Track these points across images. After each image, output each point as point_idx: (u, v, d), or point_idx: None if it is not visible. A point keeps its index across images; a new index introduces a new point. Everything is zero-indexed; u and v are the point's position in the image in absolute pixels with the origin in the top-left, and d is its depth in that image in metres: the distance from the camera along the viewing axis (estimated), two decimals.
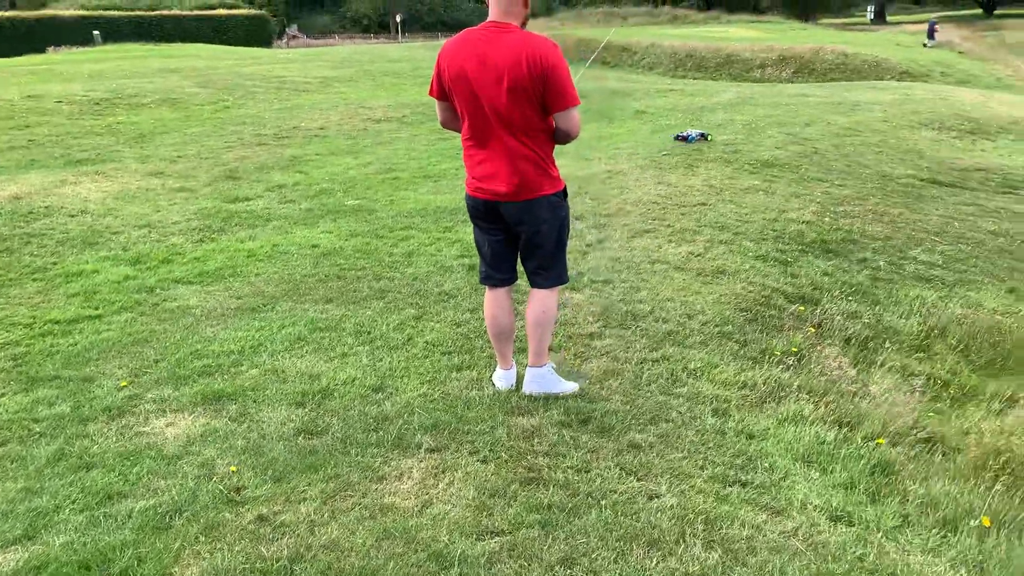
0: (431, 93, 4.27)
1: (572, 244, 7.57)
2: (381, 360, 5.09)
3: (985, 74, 27.38)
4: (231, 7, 57.22)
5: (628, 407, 4.46)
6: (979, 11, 70.76)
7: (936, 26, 33.54)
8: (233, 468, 3.83)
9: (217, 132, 14.82)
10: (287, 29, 69.93)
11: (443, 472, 3.77)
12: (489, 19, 4.08)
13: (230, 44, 42.80)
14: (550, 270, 4.42)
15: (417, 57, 28.04)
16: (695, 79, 26.13)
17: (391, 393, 4.64)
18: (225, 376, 4.93)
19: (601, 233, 8.03)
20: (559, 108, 4.03)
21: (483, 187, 4.24)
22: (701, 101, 16.91)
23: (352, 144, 13.97)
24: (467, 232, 7.92)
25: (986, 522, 3.49)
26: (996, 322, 7.07)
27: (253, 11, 59.08)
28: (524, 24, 4.15)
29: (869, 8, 65.17)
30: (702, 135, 12.86)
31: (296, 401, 4.55)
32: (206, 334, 5.67)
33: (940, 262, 8.43)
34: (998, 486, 3.93)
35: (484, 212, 4.34)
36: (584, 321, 5.76)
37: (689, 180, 10.43)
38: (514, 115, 4.03)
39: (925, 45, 32.02)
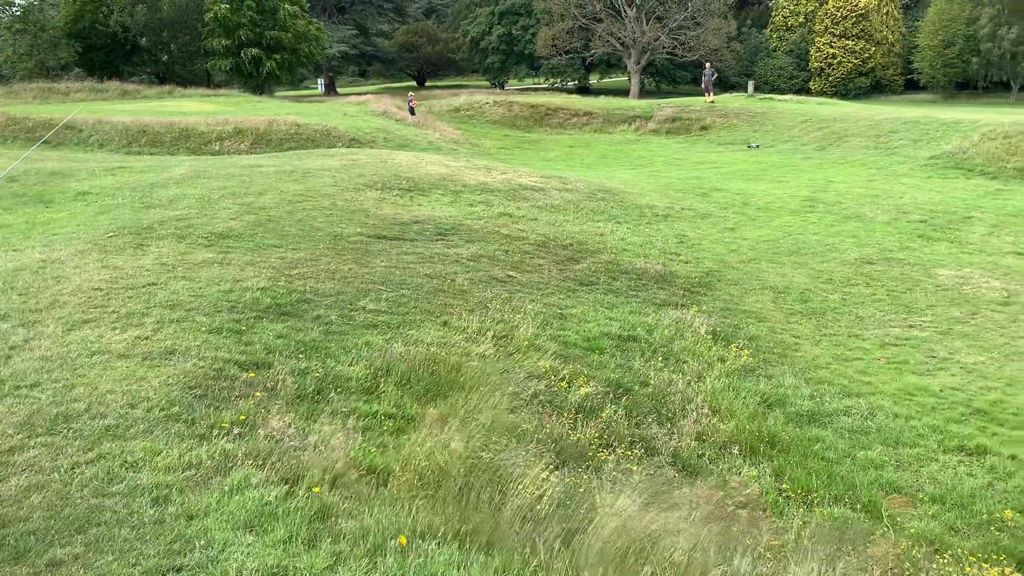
0: None
1: None
2: None
3: (419, 138, 31.30)
4: None
5: (52, 521, 4.01)
6: (413, 83, 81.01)
7: (414, 102, 36.00)
8: None
9: None
10: None
11: None
12: None
13: None
14: None
15: None
16: (150, 155, 25.13)
17: None
18: None
19: (30, 331, 7.18)
20: None
21: None
22: (151, 178, 16.27)
23: None
24: None
25: (403, 541, 3.89)
26: (432, 353, 8.02)
27: None
28: None
29: (319, 81, 70.13)
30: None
31: None
32: None
33: (386, 308, 9.29)
34: (420, 502, 4.42)
35: None
36: (1, 436, 5.05)
37: (139, 261, 9.93)
38: None
39: (411, 124, 33.87)
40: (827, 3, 59.26)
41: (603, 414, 7.62)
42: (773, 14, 64.45)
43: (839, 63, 58.39)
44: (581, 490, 5.43)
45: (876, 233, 16.76)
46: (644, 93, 57.42)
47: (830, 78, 58.84)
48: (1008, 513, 6.95)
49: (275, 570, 3.60)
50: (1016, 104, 47.29)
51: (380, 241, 12.53)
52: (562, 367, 8.50)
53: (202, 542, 3.82)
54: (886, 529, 6.54)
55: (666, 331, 10.31)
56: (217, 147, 26.59)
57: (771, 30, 63.78)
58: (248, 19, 47.36)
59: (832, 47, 58.53)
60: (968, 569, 5.78)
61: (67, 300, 8.13)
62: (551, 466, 5.95)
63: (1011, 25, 49.70)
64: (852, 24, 57.76)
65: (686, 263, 13.87)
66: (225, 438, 5.15)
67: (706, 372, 9.38)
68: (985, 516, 6.89)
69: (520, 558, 3.96)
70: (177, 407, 5.62)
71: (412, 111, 35.21)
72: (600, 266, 12.86)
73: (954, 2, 52.75)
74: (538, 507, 4.73)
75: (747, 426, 8.03)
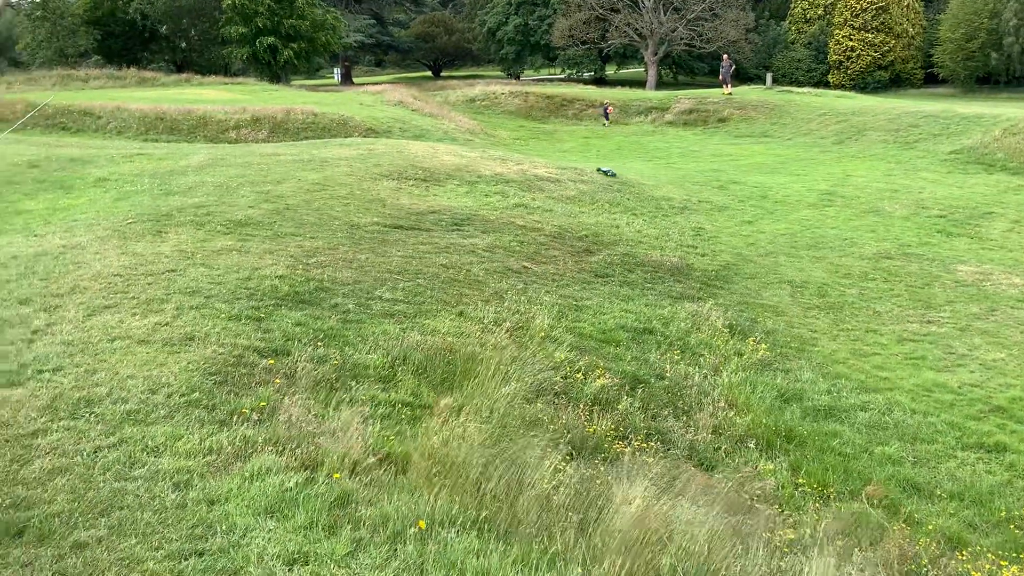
0: None
1: (15, 332, 6.72)
2: None
3: (435, 128, 31.30)
4: None
5: (76, 504, 4.06)
6: (429, 74, 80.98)
7: (610, 107, 34.88)
8: None
9: None
10: None
11: None
12: None
13: None
14: None
15: None
16: (168, 142, 25.24)
17: None
18: None
19: (52, 316, 7.24)
20: None
21: None
22: (170, 165, 16.35)
23: None
24: None
25: (421, 525, 3.91)
26: (448, 343, 8.04)
27: None
28: None
29: (335, 71, 70.14)
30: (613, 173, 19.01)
31: None
32: None
33: (402, 297, 9.32)
34: (438, 490, 4.44)
35: None
36: (25, 419, 5.10)
37: (158, 247, 9.99)
38: None
39: (605, 124, 33.82)
40: None
41: (619, 406, 7.61)
42: (792, 6, 63.86)
43: (858, 56, 57.81)
44: (598, 481, 5.44)
45: (895, 228, 16.63)
46: (661, 84, 57.09)
47: (849, 71, 58.29)
48: None
49: (296, 556, 3.63)
50: None
51: (396, 231, 12.54)
52: (578, 359, 8.50)
53: (224, 527, 3.86)
54: (903, 525, 6.51)
55: (682, 324, 10.28)
56: (234, 135, 26.68)
57: (789, 22, 63.21)
58: (265, 7, 47.38)
59: (851, 40, 57.95)
60: (987, 567, 5.74)
61: (88, 285, 8.19)
62: (567, 457, 5.96)
63: None
64: (872, 17, 57.15)
65: (703, 256, 13.82)
66: (245, 424, 5.18)
67: (723, 366, 9.36)
68: (1004, 514, 6.85)
69: (539, 547, 3.98)
70: (197, 393, 5.66)
71: (607, 115, 34.86)
72: (616, 258, 12.84)
73: None
74: (555, 497, 4.74)
75: (764, 420, 8.01)
